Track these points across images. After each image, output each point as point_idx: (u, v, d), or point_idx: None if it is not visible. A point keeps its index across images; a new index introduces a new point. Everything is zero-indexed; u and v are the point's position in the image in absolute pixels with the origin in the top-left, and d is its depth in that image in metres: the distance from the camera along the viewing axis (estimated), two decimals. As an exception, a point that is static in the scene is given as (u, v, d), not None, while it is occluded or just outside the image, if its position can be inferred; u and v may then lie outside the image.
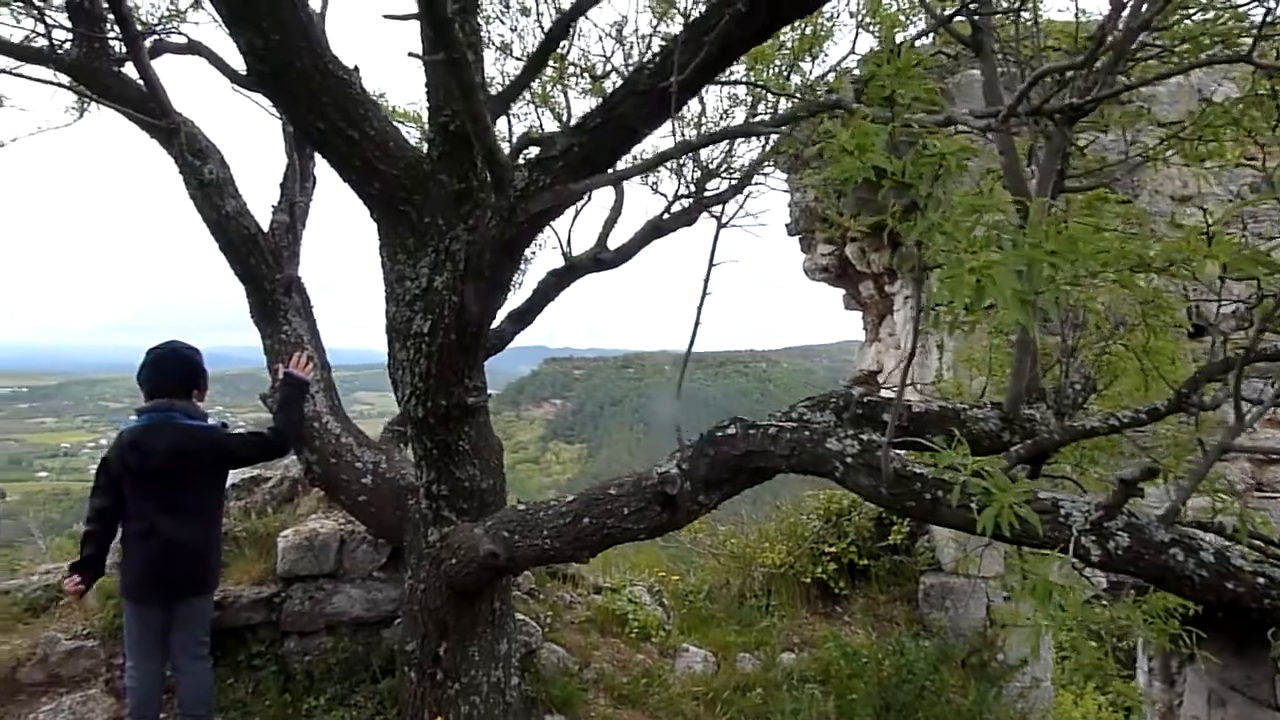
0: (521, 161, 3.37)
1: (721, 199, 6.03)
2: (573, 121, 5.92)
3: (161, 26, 5.47)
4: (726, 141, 5.86)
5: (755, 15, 2.68)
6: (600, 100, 5.74)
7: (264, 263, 4.56)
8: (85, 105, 5.90)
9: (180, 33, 5.46)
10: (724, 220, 2.87)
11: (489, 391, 3.94)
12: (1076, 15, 3.61)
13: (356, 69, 3.40)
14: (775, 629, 6.29)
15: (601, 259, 5.57)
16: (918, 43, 5.75)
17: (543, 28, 5.63)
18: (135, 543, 4.00)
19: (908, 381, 6.43)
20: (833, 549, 6.86)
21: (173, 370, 4.13)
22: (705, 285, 2.79)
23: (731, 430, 3.03)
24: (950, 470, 2.21)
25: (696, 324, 2.88)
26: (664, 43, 3.06)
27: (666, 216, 5.84)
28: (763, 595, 6.78)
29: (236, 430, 4.34)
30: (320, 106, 3.21)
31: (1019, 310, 1.88)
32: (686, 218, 5.82)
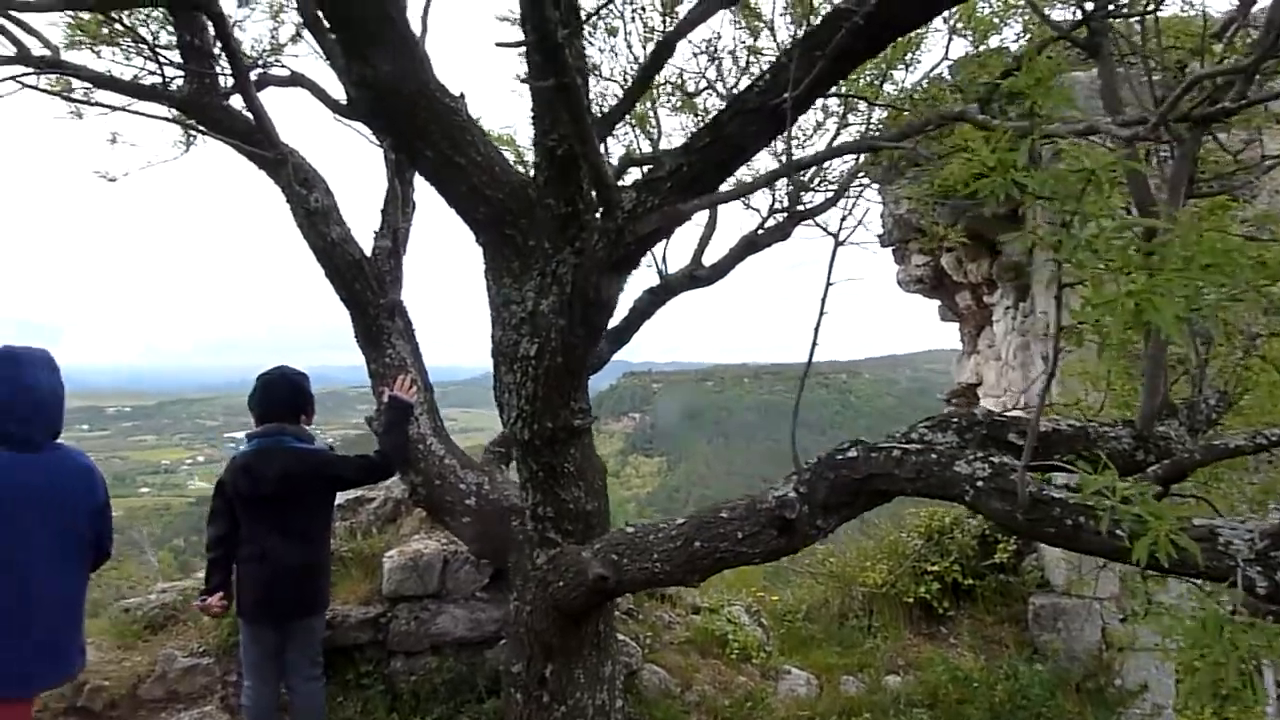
0: (628, 183, 3.35)
1: (815, 212, 5.93)
2: (664, 140, 5.97)
3: (264, 60, 5.66)
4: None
5: (871, 28, 2.61)
6: (698, 117, 5.78)
7: (368, 288, 4.63)
8: (192, 139, 6.11)
9: (282, 65, 5.64)
10: (841, 238, 2.79)
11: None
12: (1204, 16, 3.43)
13: (462, 95, 3.44)
14: (878, 651, 6.13)
15: (697, 276, 5.54)
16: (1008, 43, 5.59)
17: (629, 46, 5.64)
18: (249, 565, 4.10)
19: (1021, 400, 6.20)
20: (935, 568, 6.66)
21: (281, 396, 4.23)
22: (823, 305, 2.72)
23: (853, 453, 2.94)
24: (1096, 495, 2.08)
25: (814, 345, 2.81)
26: (776, 58, 3.00)
27: (761, 232, 5.77)
28: (864, 616, 6.62)
29: (343, 453, 4.41)
30: (428, 134, 3.25)
31: (1178, 333, 1.77)
32: (781, 232, 5.74)
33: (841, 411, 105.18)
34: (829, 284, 2.70)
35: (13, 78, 4.65)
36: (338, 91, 5.31)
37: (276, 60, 5.63)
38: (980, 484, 2.59)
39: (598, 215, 3.24)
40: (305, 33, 5.73)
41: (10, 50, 4.83)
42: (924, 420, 3.14)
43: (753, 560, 3.25)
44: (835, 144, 5.52)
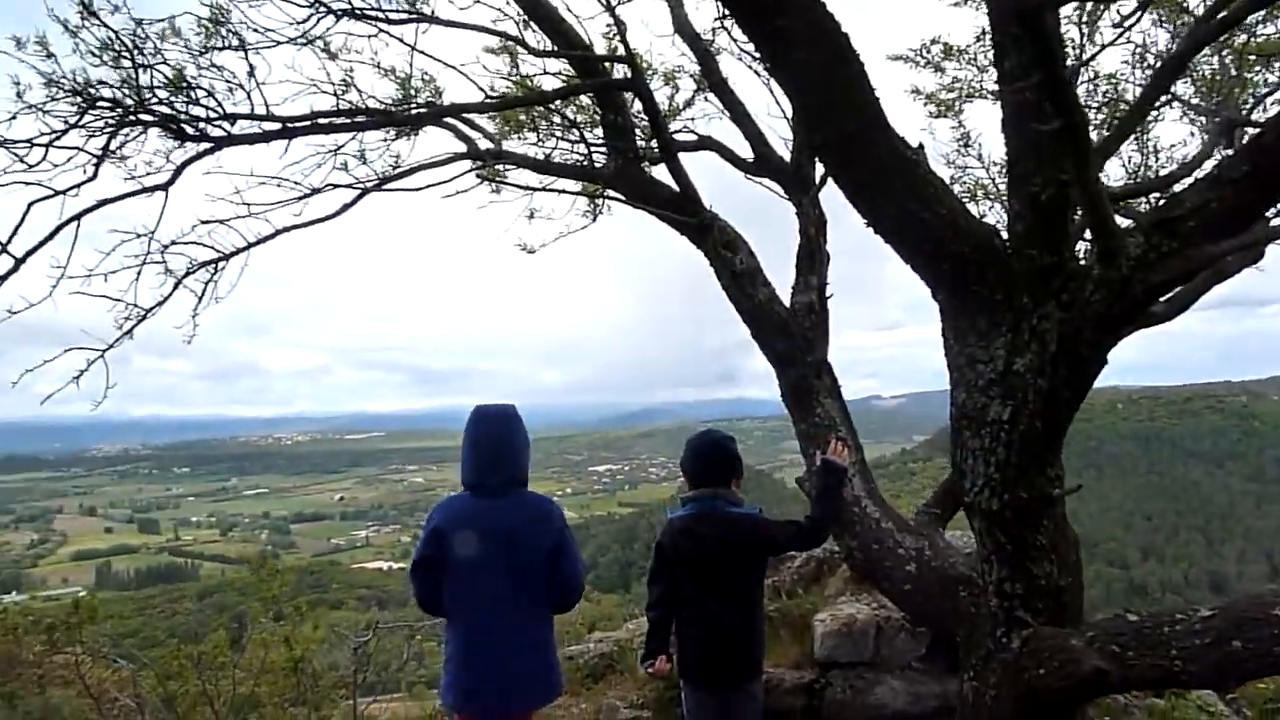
0: (1129, 224, 2.95)
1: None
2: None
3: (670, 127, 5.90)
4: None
5: None
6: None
7: (795, 346, 4.58)
8: (599, 209, 6.51)
9: (690, 130, 5.84)
10: None
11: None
12: None
13: (921, 147, 3.24)
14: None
15: (1154, 313, 4.88)
16: None
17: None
18: (688, 627, 4.14)
19: None
20: None
21: (712, 460, 4.24)
22: None
23: None
24: None
25: None
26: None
27: (1230, 258, 4.97)
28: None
29: (774, 518, 4.34)
30: (890, 191, 3.09)
31: None
32: (1253, 256, 4.90)
33: (1243, 440, 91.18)
34: None
35: (470, 171, 5.21)
36: (743, 150, 5.43)
37: (686, 126, 5.83)
38: None
39: (1082, 263, 2.88)
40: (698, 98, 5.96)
41: (462, 147, 5.42)
42: None
43: (1320, 670, 2.68)
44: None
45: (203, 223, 5.16)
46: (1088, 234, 3.76)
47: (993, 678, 3.67)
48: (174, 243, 5.13)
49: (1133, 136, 5.30)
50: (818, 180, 5.01)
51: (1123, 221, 3.06)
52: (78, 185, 4.18)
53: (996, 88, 3.05)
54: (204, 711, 6.11)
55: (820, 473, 4.23)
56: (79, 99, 4.27)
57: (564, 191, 6.05)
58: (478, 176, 5.78)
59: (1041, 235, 2.95)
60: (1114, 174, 5.63)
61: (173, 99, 4.52)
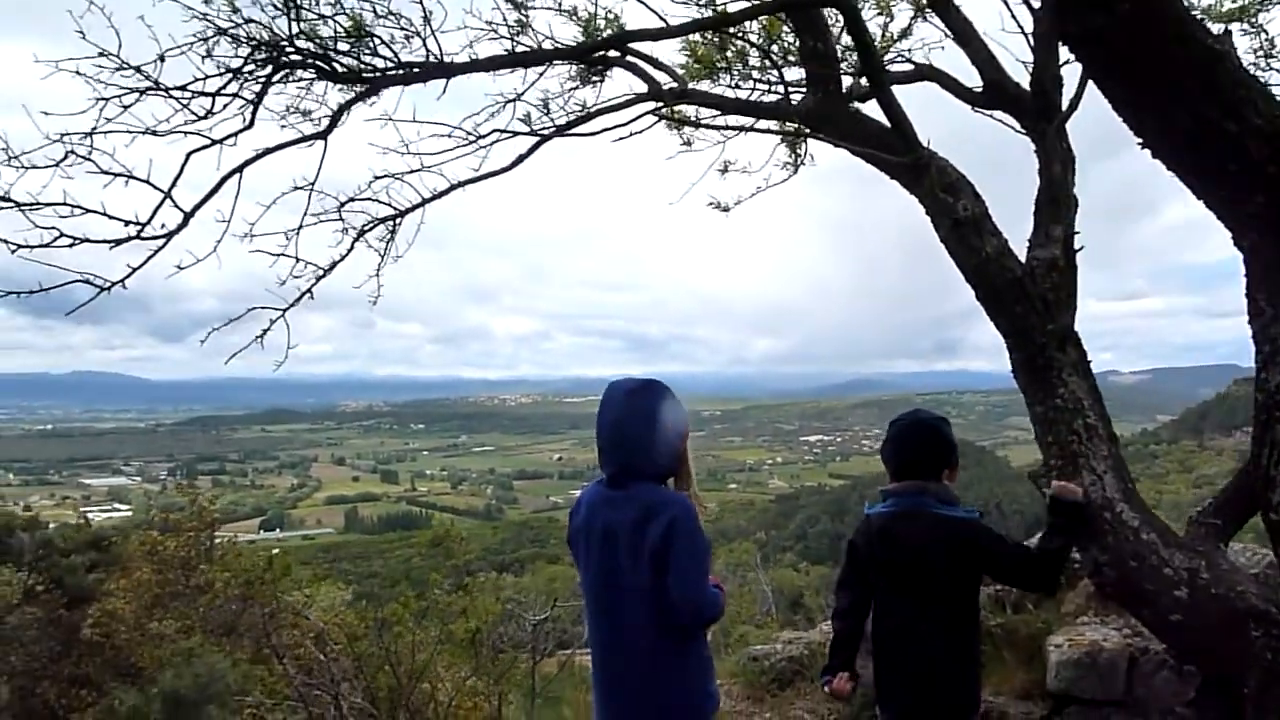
0: None
1: None
2: None
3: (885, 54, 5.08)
4: None
5: None
6: None
7: (1032, 311, 3.72)
8: (800, 159, 5.82)
9: (906, 58, 5.01)
10: None
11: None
12: None
13: (1228, 33, 2.35)
14: None
15: None
16: None
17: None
18: (884, 645, 3.42)
19: None
20: None
21: (919, 447, 3.46)
22: None
23: None
24: None
25: None
26: None
27: None
28: None
29: (1000, 532, 3.52)
30: (1181, 94, 2.24)
31: None
32: None
33: None
34: None
35: (650, 112, 4.66)
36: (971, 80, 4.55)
37: (903, 54, 5.02)
38: None
39: None
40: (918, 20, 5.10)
41: (643, 87, 4.87)
42: None
43: None
44: None
45: (377, 178, 4.95)
46: None
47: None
48: (352, 199, 4.98)
49: None
50: (1064, 108, 4.08)
51: None
52: (235, 134, 3.98)
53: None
54: (387, 673, 6.07)
55: (1051, 505, 3.38)
56: (243, 45, 4.08)
57: (760, 130, 5.43)
58: (663, 120, 5.27)
59: None
60: None
61: (355, 48, 4.28)
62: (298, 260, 4.79)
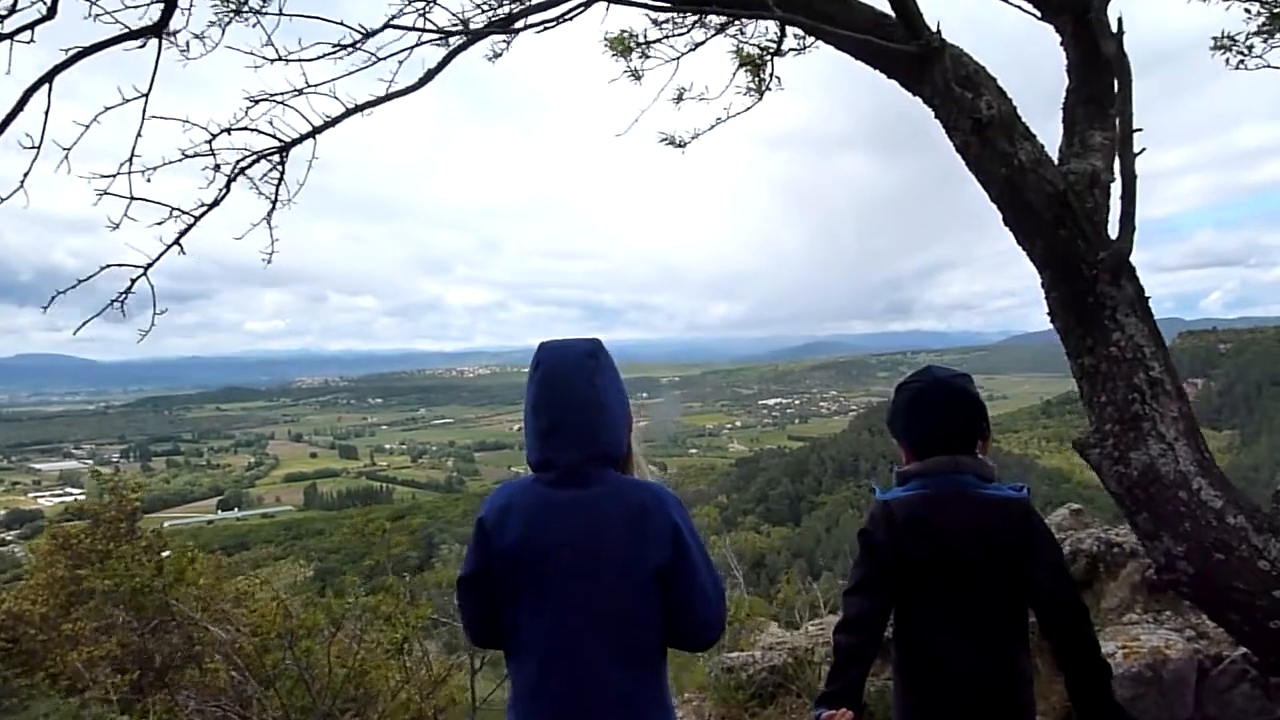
0: None
1: None
2: None
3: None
4: None
5: None
6: None
7: (1078, 235, 2.89)
8: (765, 80, 5.03)
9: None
10: None
11: None
12: None
13: None
14: None
15: None
16: None
17: None
18: (918, 670, 2.59)
19: None
20: None
21: (945, 413, 2.60)
22: None
23: None
24: None
25: None
26: None
27: None
28: None
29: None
30: None
31: None
32: None
33: None
34: None
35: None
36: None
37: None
38: None
39: None
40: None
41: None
42: None
43: None
44: None
45: (254, 101, 4.06)
46: None
47: None
48: (227, 130, 4.11)
49: None
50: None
51: None
52: (30, 25, 2.99)
53: None
54: (302, 692, 5.20)
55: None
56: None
57: (726, 34, 4.64)
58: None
59: None
60: None
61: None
62: (173, 212, 4.02)
